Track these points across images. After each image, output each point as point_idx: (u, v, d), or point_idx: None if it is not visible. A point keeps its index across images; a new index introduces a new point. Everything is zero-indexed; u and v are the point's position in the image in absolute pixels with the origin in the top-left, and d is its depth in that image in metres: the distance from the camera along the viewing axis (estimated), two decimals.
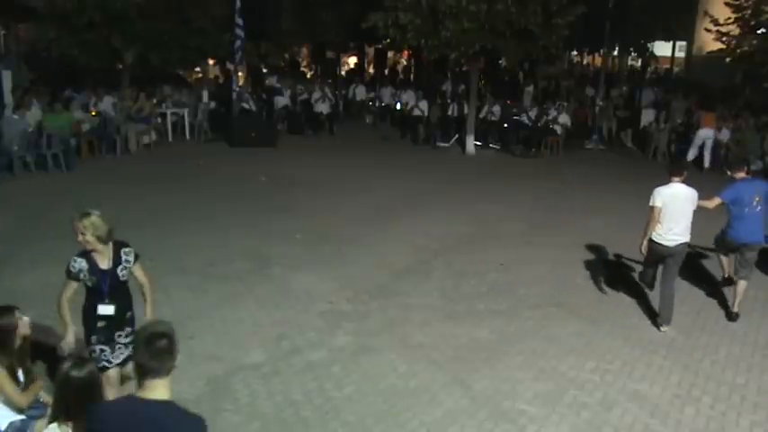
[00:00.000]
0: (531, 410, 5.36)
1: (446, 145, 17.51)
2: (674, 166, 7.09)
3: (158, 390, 2.70)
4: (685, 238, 6.78)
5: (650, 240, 6.88)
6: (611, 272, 8.64)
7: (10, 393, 3.93)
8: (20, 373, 4.09)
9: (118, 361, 4.64)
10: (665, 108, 18.11)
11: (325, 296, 7.49)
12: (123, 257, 4.58)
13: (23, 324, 4.07)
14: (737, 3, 18.56)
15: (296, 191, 12.24)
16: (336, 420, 5.12)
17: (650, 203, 6.77)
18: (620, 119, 19.46)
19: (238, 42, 16.61)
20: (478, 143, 17.35)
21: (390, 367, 5.96)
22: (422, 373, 5.87)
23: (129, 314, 4.69)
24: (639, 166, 16.39)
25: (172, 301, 6.83)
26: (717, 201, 7.20)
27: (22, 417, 3.99)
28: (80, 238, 4.44)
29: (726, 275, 7.92)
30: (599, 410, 5.41)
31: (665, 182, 6.82)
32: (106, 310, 4.53)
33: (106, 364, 4.56)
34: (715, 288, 8.04)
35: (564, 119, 17.60)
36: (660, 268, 7.09)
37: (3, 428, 3.95)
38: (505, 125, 18.17)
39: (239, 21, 16.41)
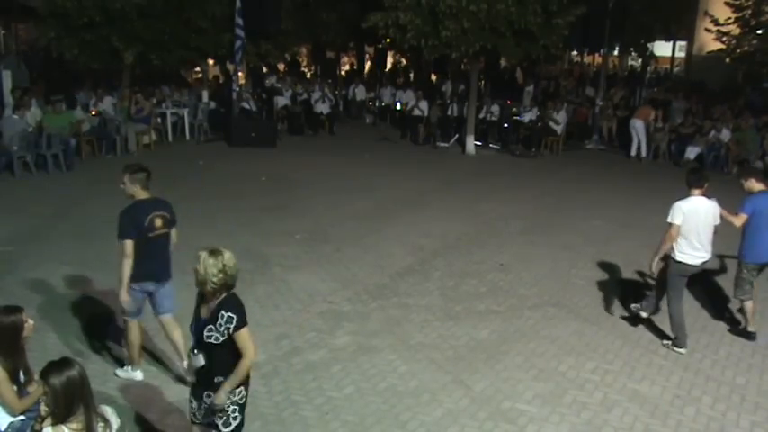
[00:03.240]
0: (531, 410, 5.36)
1: (446, 145, 17.51)
2: (695, 177, 6.38)
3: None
4: (710, 254, 6.38)
5: (674, 261, 6.35)
6: (611, 272, 8.64)
7: (8, 398, 3.92)
8: (20, 374, 4.09)
9: (201, 420, 4.04)
10: (663, 108, 18.09)
11: (325, 296, 7.50)
12: (219, 319, 3.80)
13: (28, 326, 4.06)
14: (737, 3, 18.60)
15: (296, 191, 12.24)
16: (336, 420, 5.12)
17: (668, 219, 6.26)
18: (620, 119, 19.46)
19: (238, 42, 16.60)
20: (478, 143, 17.34)
21: (390, 367, 5.96)
22: (422, 373, 5.87)
23: (218, 379, 3.86)
24: (639, 166, 16.41)
25: None
26: (743, 217, 6.61)
27: (22, 417, 3.98)
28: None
29: (748, 327, 6.87)
30: (599, 410, 5.41)
31: (685, 195, 6.32)
32: (196, 361, 3.92)
33: (192, 417, 4.12)
34: (715, 288, 8.03)
35: (561, 117, 17.61)
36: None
37: (3, 429, 3.94)
38: (505, 125, 18.17)
39: (239, 21, 16.41)
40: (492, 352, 6.33)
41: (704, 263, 6.37)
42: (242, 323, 3.82)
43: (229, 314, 3.79)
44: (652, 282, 7.99)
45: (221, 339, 3.80)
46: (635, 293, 7.90)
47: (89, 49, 15.14)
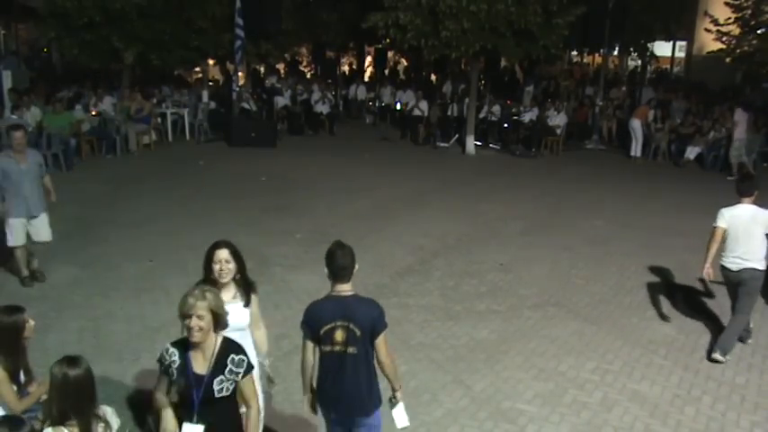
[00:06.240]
0: (531, 410, 5.37)
1: (446, 145, 17.51)
2: (744, 185, 6.38)
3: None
4: (753, 263, 6.23)
5: (721, 267, 6.44)
6: (611, 272, 8.64)
7: (8, 399, 3.92)
8: (21, 374, 4.09)
9: None
10: (662, 108, 18.10)
11: None
12: (229, 366, 3.34)
13: (29, 326, 4.06)
14: (737, 3, 18.58)
15: (296, 191, 12.25)
16: None
17: (714, 224, 6.37)
18: (619, 119, 19.46)
19: (238, 42, 16.61)
20: (478, 143, 17.35)
21: None
22: (422, 373, 5.87)
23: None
24: (639, 166, 16.40)
25: (172, 301, 6.79)
26: None
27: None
28: (193, 322, 3.29)
29: None
30: (599, 410, 5.41)
31: (733, 202, 6.34)
32: (192, 430, 3.37)
33: None
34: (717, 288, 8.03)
35: (561, 118, 17.61)
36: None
37: None
38: (505, 125, 18.17)
39: (239, 21, 16.41)
40: (492, 352, 6.33)
41: (743, 270, 6.24)
42: (251, 365, 3.48)
43: (243, 357, 3.41)
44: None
45: (230, 391, 3.38)
46: (635, 293, 7.91)
47: (89, 49, 15.16)
